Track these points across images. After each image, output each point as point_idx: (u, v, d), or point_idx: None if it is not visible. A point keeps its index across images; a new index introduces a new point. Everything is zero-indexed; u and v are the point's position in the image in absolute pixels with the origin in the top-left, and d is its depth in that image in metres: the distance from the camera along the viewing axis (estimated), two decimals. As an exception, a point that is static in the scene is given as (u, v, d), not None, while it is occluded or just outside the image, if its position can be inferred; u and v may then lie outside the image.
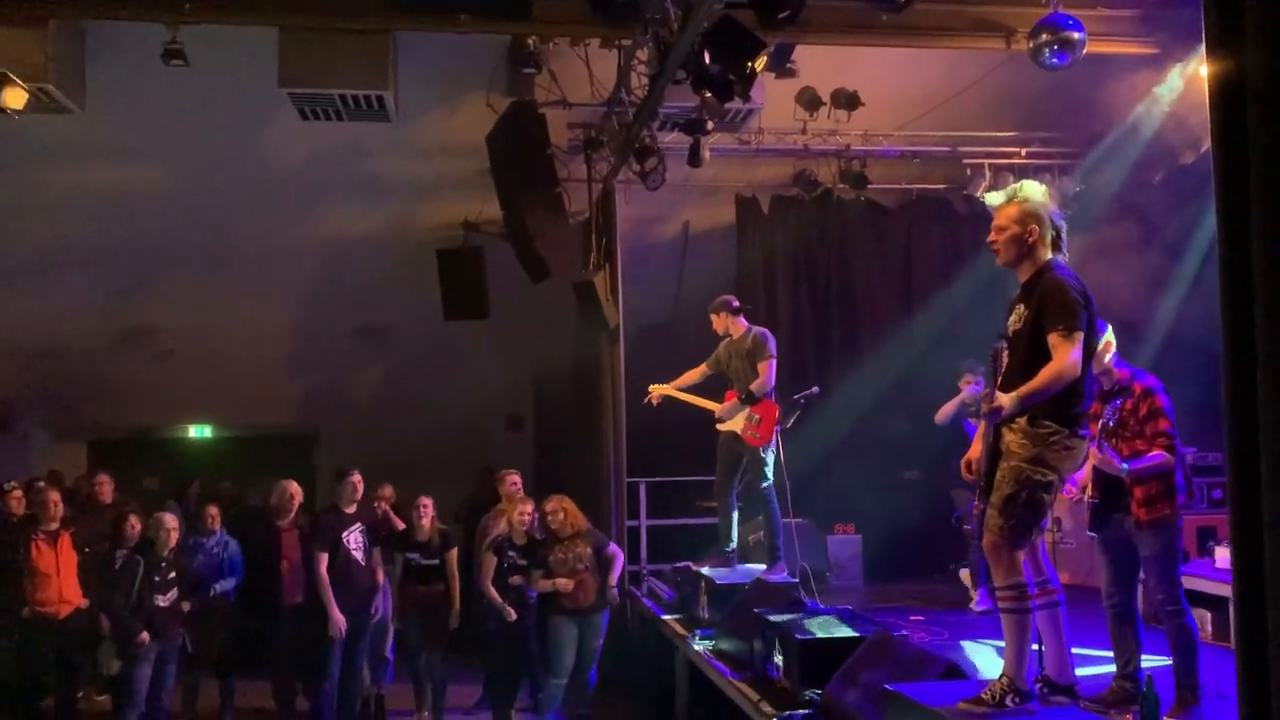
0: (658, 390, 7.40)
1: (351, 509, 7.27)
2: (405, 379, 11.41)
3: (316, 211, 9.75)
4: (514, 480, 7.95)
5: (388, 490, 7.91)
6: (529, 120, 8.13)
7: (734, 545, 7.30)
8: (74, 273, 9.89)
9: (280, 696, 7.63)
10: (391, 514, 7.55)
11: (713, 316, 7.30)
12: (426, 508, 7.47)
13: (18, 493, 7.73)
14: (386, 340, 11.16)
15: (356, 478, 7.33)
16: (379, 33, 7.21)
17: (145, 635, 6.68)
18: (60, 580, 7.20)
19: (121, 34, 7.41)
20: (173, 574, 6.93)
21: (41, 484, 8.32)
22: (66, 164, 8.71)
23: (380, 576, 7.46)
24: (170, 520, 7.03)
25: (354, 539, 7.21)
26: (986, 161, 9.45)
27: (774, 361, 7.02)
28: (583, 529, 7.12)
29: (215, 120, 8.46)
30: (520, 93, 8.18)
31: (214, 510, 7.80)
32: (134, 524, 7.17)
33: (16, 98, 7.01)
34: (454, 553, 7.59)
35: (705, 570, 7.16)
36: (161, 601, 6.82)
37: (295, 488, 7.59)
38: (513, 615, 7.01)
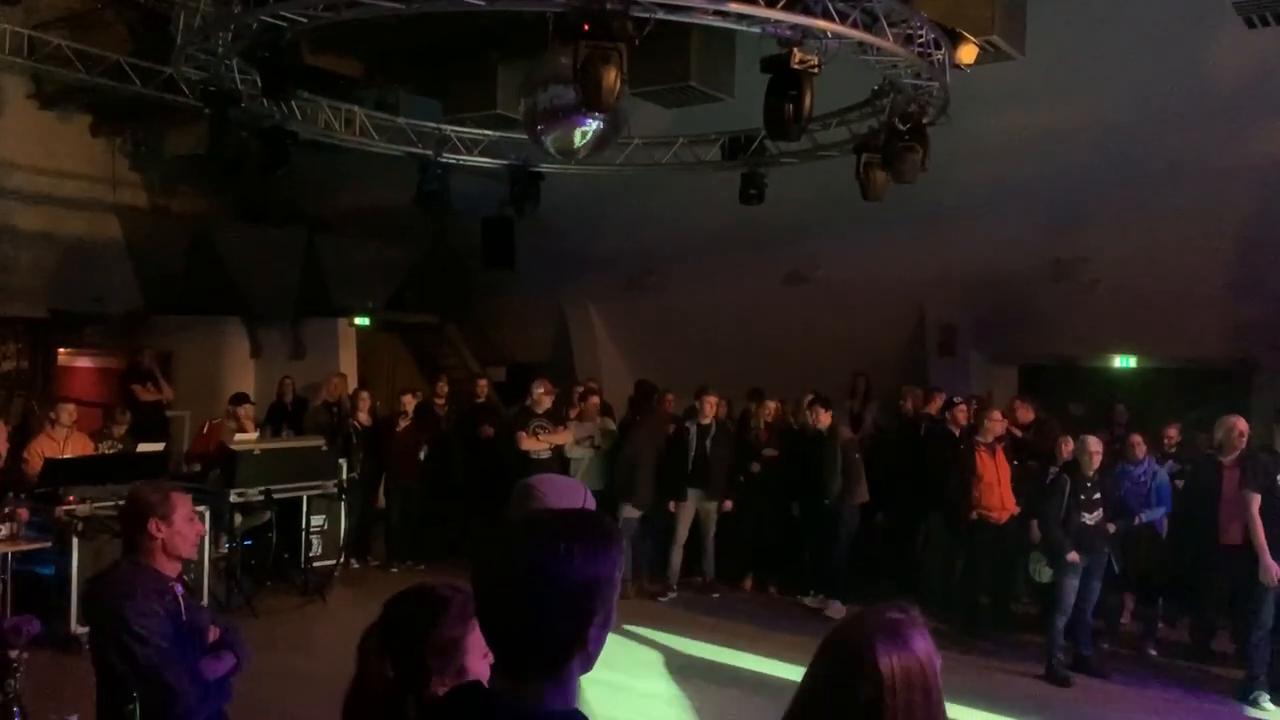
0: None
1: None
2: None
3: (1263, 127, 8.91)
4: None
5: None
6: None
7: None
8: (1010, 209, 10.55)
9: (1197, 634, 7.43)
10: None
11: None
12: None
13: (963, 407, 8.78)
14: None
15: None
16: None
17: (1075, 555, 7.07)
18: (1000, 489, 8.04)
19: (1060, -25, 7.71)
20: (1097, 494, 7.19)
21: (975, 403, 9.27)
22: (1002, 109, 9.28)
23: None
24: (1094, 443, 7.28)
25: (1292, 484, 6.62)
26: None
27: None
28: None
29: (1152, 45, 8.28)
30: None
31: (1139, 439, 7.85)
32: (1065, 444, 7.61)
33: (969, 53, 7.75)
34: None
35: None
36: (1088, 519, 7.15)
37: (1243, 424, 7.26)
38: None
